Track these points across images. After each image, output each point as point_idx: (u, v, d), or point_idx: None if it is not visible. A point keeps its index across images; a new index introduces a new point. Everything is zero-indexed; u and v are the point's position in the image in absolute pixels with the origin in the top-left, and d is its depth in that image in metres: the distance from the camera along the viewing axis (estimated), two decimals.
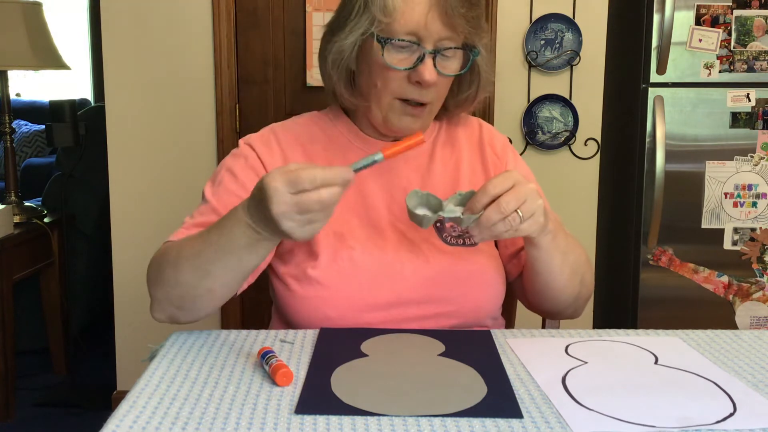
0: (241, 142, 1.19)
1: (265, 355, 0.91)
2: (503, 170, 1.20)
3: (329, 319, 1.08)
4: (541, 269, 1.09)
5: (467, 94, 1.18)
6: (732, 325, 2.34)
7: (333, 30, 1.12)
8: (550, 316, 1.22)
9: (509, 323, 1.37)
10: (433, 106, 1.12)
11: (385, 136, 1.17)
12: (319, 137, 1.19)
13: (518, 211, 0.94)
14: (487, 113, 2.45)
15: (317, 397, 0.82)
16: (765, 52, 2.25)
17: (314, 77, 2.44)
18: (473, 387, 0.86)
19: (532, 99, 2.47)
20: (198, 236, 0.99)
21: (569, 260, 1.09)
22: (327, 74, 1.15)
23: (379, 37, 1.05)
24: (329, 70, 1.13)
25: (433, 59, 1.05)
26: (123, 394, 1.49)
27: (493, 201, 0.94)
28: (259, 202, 0.87)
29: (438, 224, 1.11)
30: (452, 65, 1.09)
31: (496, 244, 1.22)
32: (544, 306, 1.17)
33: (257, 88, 2.48)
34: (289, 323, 1.14)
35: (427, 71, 1.05)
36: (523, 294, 1.23)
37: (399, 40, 1.05)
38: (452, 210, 0.98)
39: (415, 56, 1.06)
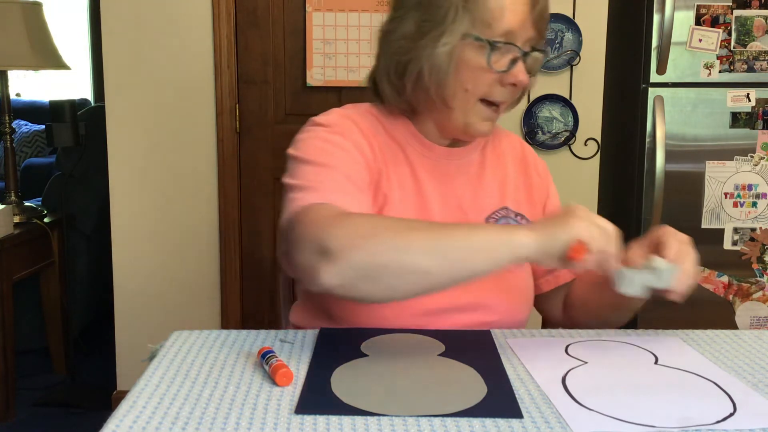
0: (321, 122, 1.12)
1: (265, 355, 0.91)
2: (546, 192, 1.27)
3: (385, 318, 1.07)
4: (625, 307, 1.13)
5: (519, 96, 1.18)
6: (732, 325, 2.34)
7: (414, 37, 1.08)
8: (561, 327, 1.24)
9: None
10: (504, 107, 1.13)
11: (443, 138, 1.17)
12: (381, 131, 1.16)
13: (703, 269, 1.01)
14: None
15: (317, 397, 0.82)
16: (765, 52, 2.25)
17: (314, 77, 2.44)
18: (473, 387, 0.86)
19: (532, 99, 2.47)
20: (454, 225, 0.94)
21: None
22: (393, 86, 1.14)
23: (484, 39, 1.04)
24: (406, 85, 1.11)
25: (524, 61, 1.07)
26: (123, 394, 1.50)
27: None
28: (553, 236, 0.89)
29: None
30: (535, 67, 1.11)
31: None
32: (590, 324, 1.17)
33: (257, 88, 2.48)
34: (332, 317, 1.12)
35: (522, 72, 1.06)
36: (557, 309, 1.27)
37: (502, 42, 1.05)
38: (658, 262, 0.97)
39: (507, 58, 1.06)
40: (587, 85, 2.49)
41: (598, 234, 0.90)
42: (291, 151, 1.10)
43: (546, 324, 1.31)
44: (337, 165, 1.05)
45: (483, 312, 1.12)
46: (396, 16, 1.12)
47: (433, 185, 1.16)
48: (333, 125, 1.11)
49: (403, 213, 1.12)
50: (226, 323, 2.54)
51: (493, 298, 1.13)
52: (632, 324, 2.39)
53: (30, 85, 5.22)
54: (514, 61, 1.06)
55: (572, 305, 1.24)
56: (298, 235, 0.94)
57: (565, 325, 1.23)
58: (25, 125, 4.29)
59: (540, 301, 1.27)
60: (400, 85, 1.13)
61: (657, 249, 0.99)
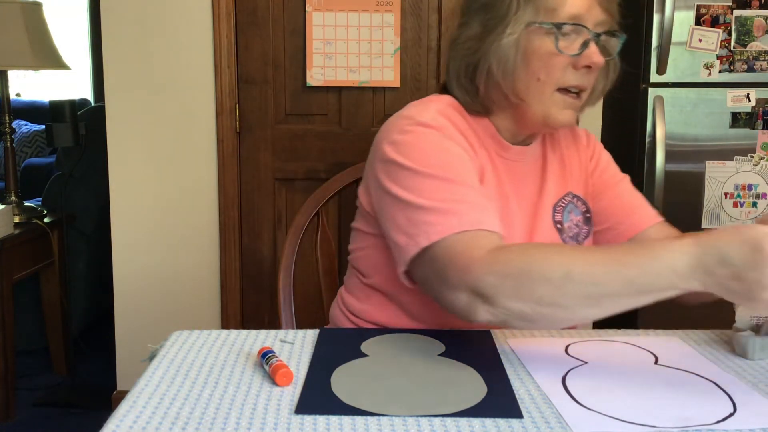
0: (422, 119, 1.07)
1: (265, 355, 0.91)
2: (597, 165, 1.25)
3: (447, 316, 1.02)
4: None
5: (604, 85, 1.17)
6: (732, 325, 2.33)
7: (481, 36, 1.09)
8: None
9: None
10: (585, 95, 1.11)
11: (518, 137, 1.17)
12: (466, 129, 1.13)
13: None
14: None
15: (317, 397, 0.82)
16: (765, 52, 2.25)
17: (314, 77, 2.44)
18: (473, 387, 0.86)
19: None
20: (614, 270, 0.83)
21: None
22: (464, 85, 1.13)
23: (550, 23, 1.04)
24: (483, 82, 1.11)
25: (597, 42, 1.06)
26: (123, 394, 1.49)
27: None
28: (740, 263, 0.76)
29: (558, 225, 1.15)
30: (610, 50, 1.10)
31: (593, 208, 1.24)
32: None
33: (257, 88, 2.48)
34: (401, 304, 1.12)
35: (596, 53, 1.05)
36: None
37: (568, 24, 1.04)
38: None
39: (578, 42, 1.06)
40: None
41: None
42: (395, 155, 1.05)
43: None
44: (462, 178, 1.01)
45: None
46: (462, 22, 1.13)
47: (511, 185, 1.16)
48: (437, 126, 1.07)
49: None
50: (226, 323, 2.54)
51: None
52: (632, 324, 2.39)
53: (30, 85, 5.22)
54: (585, 44, 1.05)
55: None
56: (447, 274, 0.92)
57: None
58: (25, 125, 4.29)
59: None
60: (472, 88, 1.12)
61: None
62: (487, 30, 1.08)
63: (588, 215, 1.22)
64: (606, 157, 1.29)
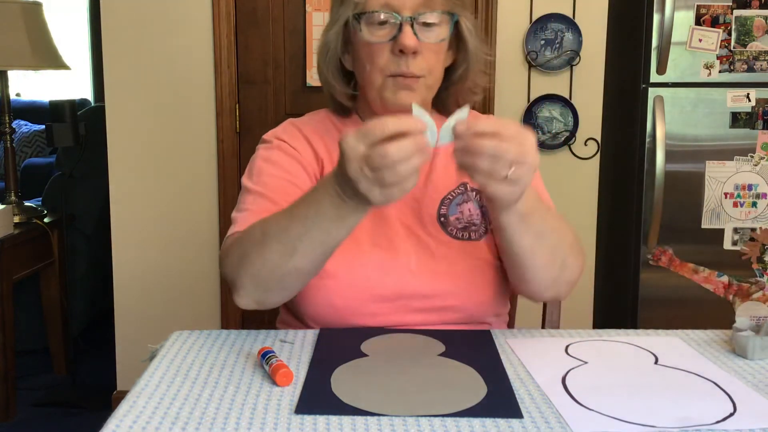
0: (266, 137, 1.21)
1: (265, 355, 0.91)
2: None
3: (334, 308, 1.09)
4: (509, 249, 1.03)
5: (460, 73, 1.18)
6: (732, 325, 2.33)
7: (324, 33, 1.17)
8: (532, 298, 1.15)
9: (509, 323, 1.37)
10: (427, 80, 1.11)
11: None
12: (333, 132, 1.21)
13: (512, 165, 0.85)
14: (486, 113, 2.45)
15: (317, 397, 0.82)
16: (765, 52, 2.25)
17: (314, 77, 2.44)
18: (473, 387, 0.86)
19: (532, 99, 2.47)
20: (282, 213, 0.98)
21: (546, 243, 1.03)
22: (323, 75, 1.18)
23: (355, 15, 1.09)
24: (324, 70, 1.17)
25: (412, 27, 1.07)
26: (123, 394, 1.49)
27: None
28: (339, 165, 0.86)
29: (442, 219, 1.12)
30: (434, 34, 1.10)
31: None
32: (520, 287, 1.12)
33: (257, 88, 2.48)
34: (295, 313, 1.15)
35: (407, 37, 1.06)
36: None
37: (373, 12, 1.07)
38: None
39: (395, 28, 1.08)
40: (587, 85, 2.49)
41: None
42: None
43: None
44: (266, 187, 1.12)
45: (441, 298, 1.11)
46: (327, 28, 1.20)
47: None
48: (273, 139, 1.19)
49: None
50: (226, 323, 2.54)
51: (447, 283, 1.11)
52: (632, 324, 2.39)
53: (30, 85, 5.21)
54: (400, 29, 1.07)
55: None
56: None
57: (521, 293, 1.15)
58: (25, 125, 4.29)
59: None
60: (327, 83, 1.19)
61: None
62: (329, 29, 1.17)
63: (484, 209, 1.19)
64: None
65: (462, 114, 0.86)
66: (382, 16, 1.07)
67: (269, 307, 1.04)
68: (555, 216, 1.08)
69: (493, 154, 0.84)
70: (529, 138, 0.87)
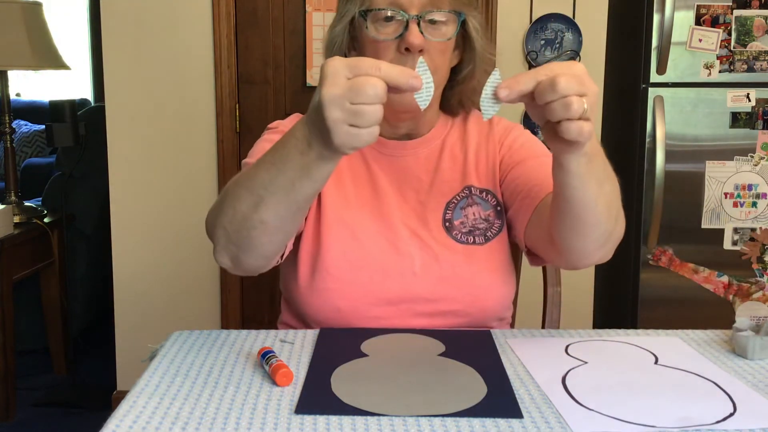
0: (271, 126, 1.22)
1: (265, 355, 0.91)
2: (508, 150, 1.20)
3: (339, 311, 1.09)
4: (573, 200, 0.94)
5: (465, 72, 1.17)
6: (732, 325, 2.33)
7: (332, 25, 1.16)
8: (578, 262, 1.04)
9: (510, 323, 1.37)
10: (436, 76, 1.10)
11: (395, 130, 1.18)
12: None
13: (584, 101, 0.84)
14: None
15: (317, 397, 0.82)
16: (765, 52, 2.25)
17: (314, 77, 2.44)
18: (473, 387, 0.86)
19: None
20: (254, 163, 0.95)
21: (605, 191, 0.95)
22: None
23: (361, 11, 1.09)
24: None
25: (419, 25, 1.06)
26: (123, 394, 1.49)
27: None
28: (316, 91, 0.81)
29: (447, 223, 1.13)
30: (440, 32, 1.09)
31: (502, 195, 1.19)
32: (573, 245, 1.01)
33: (257, 88, 2.48)
34: (299, 315, 1.15)
35: (413, 35, 1.05)
36: (542, 240, 1.10)
37: (380, 9, 1.07)
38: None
39: (401, 26, 1.07)
40: None
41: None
42: None
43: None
44: (256, 156, 1.09)
45: (445, 302, 1.11)
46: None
47: (389, 180, 1.17)
48: (278, 126, 1.20)
49: (360, 209, 1.15)
50: (226, 323, 2.54)
51: (452, 288, 1.11)
52: (632, 324, 2.39)
53: (30, 85, 5.21)
54: (406, 27, 1.06)
55: (550, 226, 1.06)
56: None
57: (565, 257, 1.05)
58: (25, 125, 4.29)
59: (530, 237, 1.14)
60: None
61: None
62: (335, 22, 1.16)
63: (499, 208, 1.18)
64: (522, 139, 1.22)
65: (495, 77, 0.84)
66: (389, 14, 1.07)
67: (246, 271, 1.02)
68: (607, 160, 1.00)
69: (564, 94, 0.83)
70: (580, 67, 0.85)
